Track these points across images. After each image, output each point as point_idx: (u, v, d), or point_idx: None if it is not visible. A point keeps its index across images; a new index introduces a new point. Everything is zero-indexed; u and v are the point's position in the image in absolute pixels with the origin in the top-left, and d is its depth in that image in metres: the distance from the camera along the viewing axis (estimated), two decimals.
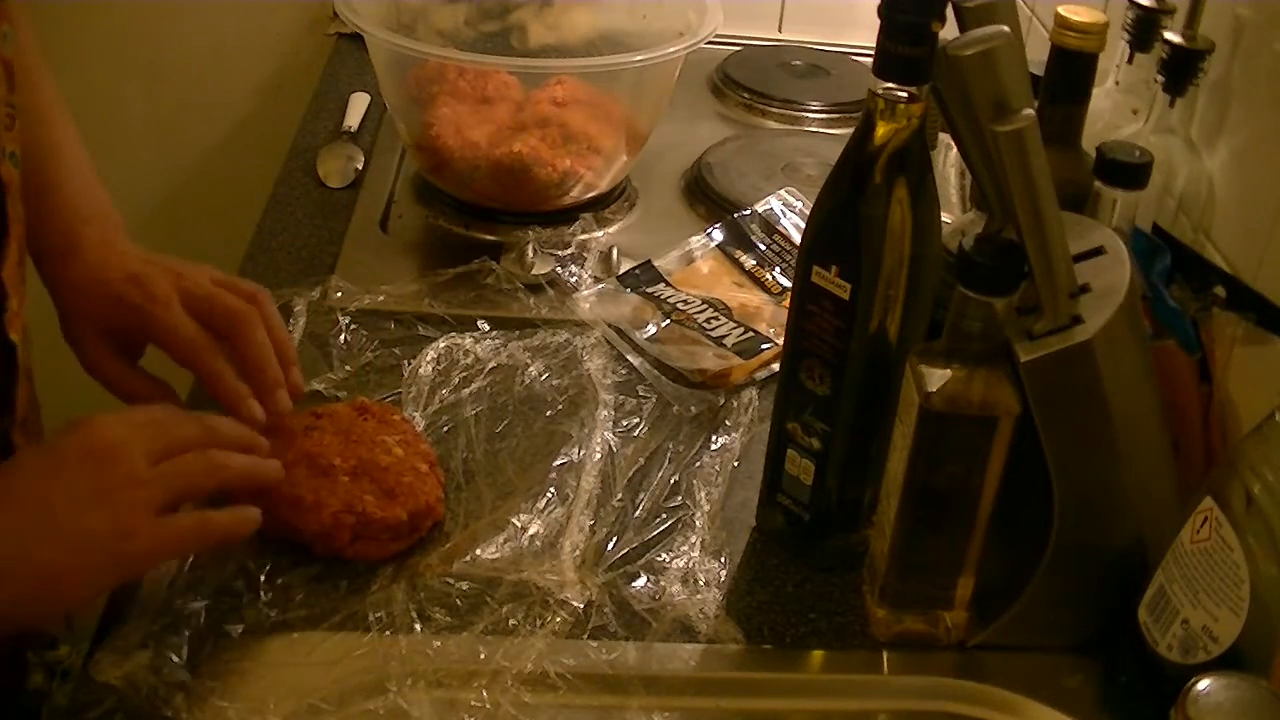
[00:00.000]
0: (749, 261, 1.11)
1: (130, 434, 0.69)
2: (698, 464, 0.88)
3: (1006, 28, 0.65)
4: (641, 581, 0.79)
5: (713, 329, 1.01)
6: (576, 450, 0.88)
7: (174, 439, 0.70)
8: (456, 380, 0.94)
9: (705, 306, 1.04)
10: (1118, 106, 0.98)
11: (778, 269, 1.09)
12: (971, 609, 0.76)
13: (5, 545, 0.64)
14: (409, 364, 0.95)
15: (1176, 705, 0.59)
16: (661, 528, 0.83)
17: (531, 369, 0.96)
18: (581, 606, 0.76)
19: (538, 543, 0.80)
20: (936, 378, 0.70)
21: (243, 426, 0.76)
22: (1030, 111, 0.65)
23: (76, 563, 0.66)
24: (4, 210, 0.71)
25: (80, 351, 0.80)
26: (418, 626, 0.74)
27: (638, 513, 0.84)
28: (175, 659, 0.70)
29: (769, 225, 1.13)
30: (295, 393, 0.81)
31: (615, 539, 0.81)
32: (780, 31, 1.59)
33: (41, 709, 0.81)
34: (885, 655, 0.76)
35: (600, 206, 1.18)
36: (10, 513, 0.65)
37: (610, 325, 1.02)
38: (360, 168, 1.22)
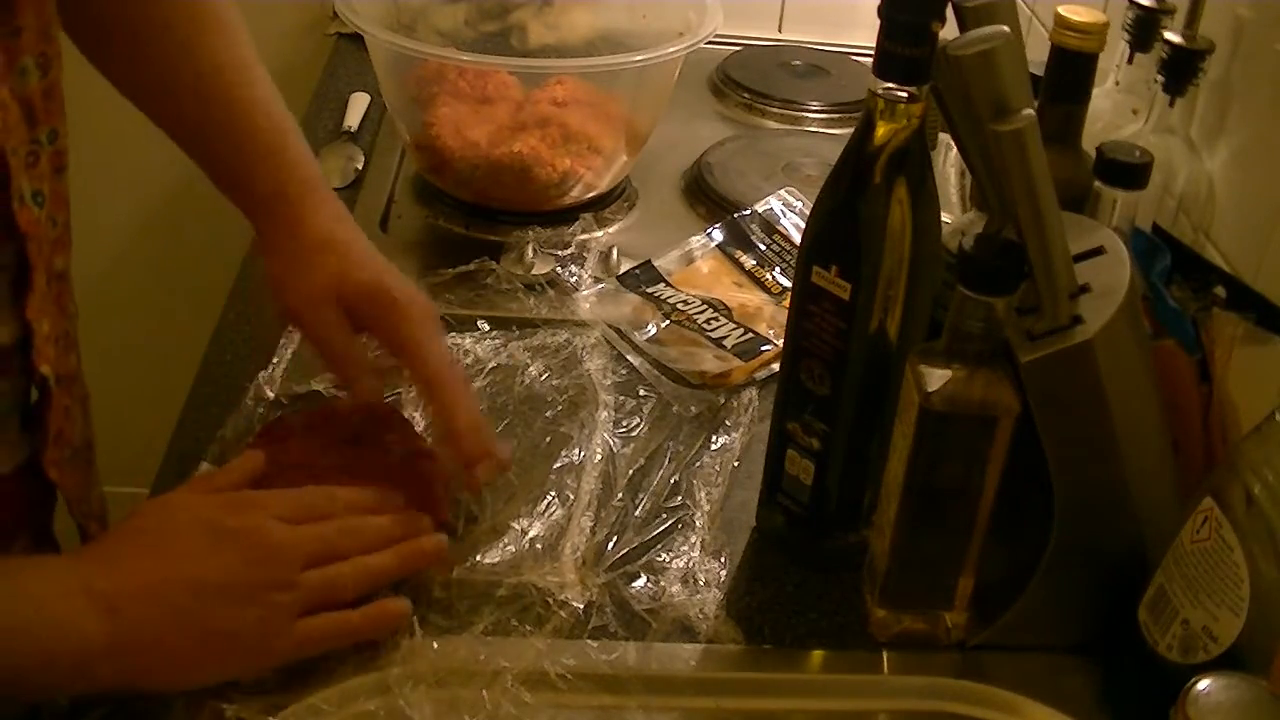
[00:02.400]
0: (749, 261, 1.11)
1: (295, 539, 0.69)
2: (698, 464, 0.88)
3: (1006, 28, 0.65)
4: (641, 581, 0.79)
5: (712, 330, 1.01)
6: (576, 451, 0.88)
7: (332, 548, 0.71)
8: None
9: (705, 307, 1.04)
10: (1118, 106, 0.98)
11: (778, 269, 1.09)
12: (971, 609, 0.76)
13: (143, 611, 0.63)
14: None
15: (1176, 705, 0.59)
16: (661, 528, 0.83)
17: (531, 369, 0.96)
18: (581, 607, 0.76)
19: (538, 545, 0.80)
20: (936, 378, 0.70)
21: (398, 519, 0.76)
22: (1030, 111, 0.65)
23: (208, 653, 0.66)
24: (26, 255, 0.69)
25: (311, 317, 0.81)
26: (418, 628, 0.73)
27: (638, 513, 0.84)
28: None
29: (769, 225, 1.13)
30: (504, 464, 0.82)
31: (615, 539, 0.81)
32: (780, 31, 1.59)
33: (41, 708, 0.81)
34: (885, 655, 0.76)
35: (600, 206, 1.18)
36: (159, 578, 0.64)
37: (610, 325, 1.02)
38: (360, 168, 1.22)
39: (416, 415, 0.90)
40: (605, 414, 0.92)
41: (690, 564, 0.80)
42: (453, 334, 0.99)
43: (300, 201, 0.85)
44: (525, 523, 0.82)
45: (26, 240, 0.69)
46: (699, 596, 0.78)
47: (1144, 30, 0.95)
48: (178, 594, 0.65)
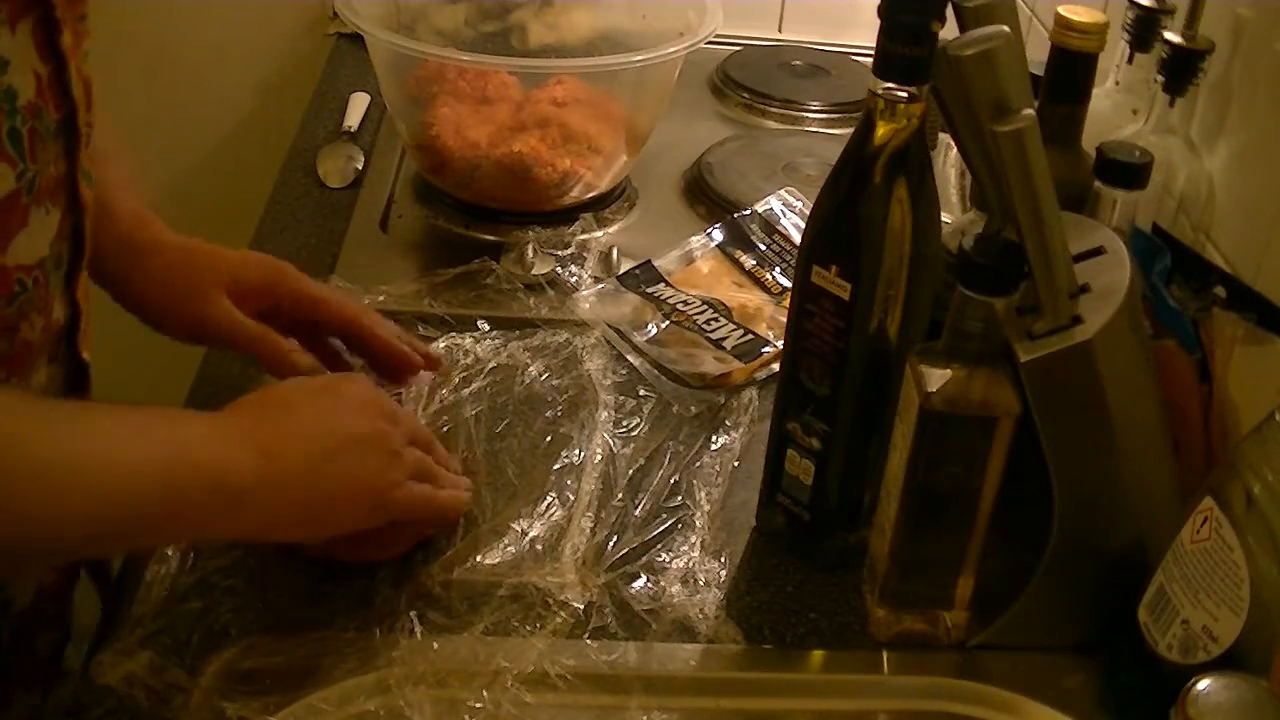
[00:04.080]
0: (749, 261, 1.11)
1: (399, 412, 0.77)
2: (698, 464, 0.88)
3: (1006, 28, 0.65)
4: (641, 582, 0.79)
5: (712, 330, 1.01)
6: (576, 451, 0.88)
7: (419, 437, 0.78)
8: (456, 380, 0.94)
9: (705, 307, 1.04)
10: (1118, 106, 0.98)
11: (778, 269, 1.09)
12: (971, 609, 0.76)
13: (292, 452, 0.69)
14: None
15: (1176, 705, 0.59)
16: (661, 528, 0.83)
17: (531, 369, 0.96)
18: (581, 607, 0.76)
19: (539, 546, 0.80)
20: (936, 378, 0.70)
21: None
22: (1030, 111, 0.65)
23: (345, 495, 0.71)
24: (83, 229, 0.72)
25: (208, 312, 0.83)
26: (418, 628, 0.73)
27: (638, 513, 0.84)
28: (175, 660, 0.70)
29: (769, 225, 1.13)
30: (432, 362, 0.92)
31: (615, 539, 0.81)
32: (780, 31, 1.59)
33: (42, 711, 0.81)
34: (885, 655, 0.76)
35: (600, 206, 1.18)
36: (299, 431, 0.70)
37: (610, 326, 1.02)
38: (360, 168, 1.22)
39: (417, 415, 0.90)
40: (605, 414, 0.92)
41: (690, 564, 0.80)
42: (453, 334, 0.99)
43: (151, 224, 0.86)
44: (525, 523, 0.82)
45: (85, 214, 0.71)
46: (699, 596, 0.78)
47: (1144, 30, 0.95)
48: (320, 439, 0.71)
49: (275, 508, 0.68)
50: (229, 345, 0.85)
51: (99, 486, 0.60)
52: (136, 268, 0.84)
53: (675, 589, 0.78)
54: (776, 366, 0.93)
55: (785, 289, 1.06)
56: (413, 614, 0.74)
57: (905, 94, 0.68)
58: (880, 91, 0.69)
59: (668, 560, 0.80)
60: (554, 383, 0.95)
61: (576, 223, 1.14)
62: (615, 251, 1.11)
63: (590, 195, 1.17)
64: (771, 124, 1.39)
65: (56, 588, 0.79)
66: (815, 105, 1.41)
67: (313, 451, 0.70)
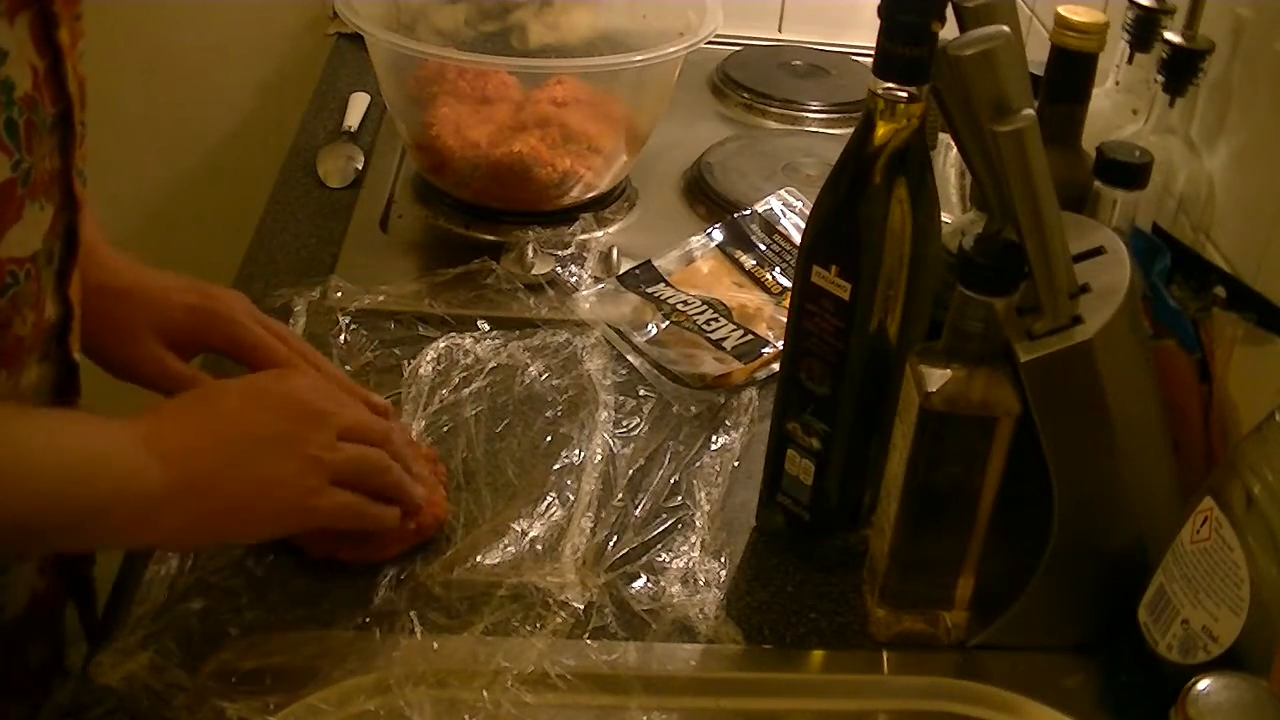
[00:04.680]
0: (749, 261, 1.11)
1: (333, 408, 0.74)
2: (698, 464, 0.88)
3: (1006, 28, 0.65)
4: (641, 582, 0.79)
5: (712, 331, 1.01)
6: (576, 451, 0.88)
7: (365, 429, 0.76)
8: (456, 380, 0.94)
9: (705, 308, 1.04)
10: (1118, 106, 0.98)
11: (778, 269, 1.09)
12: (971, 609, 0.76)
13: (198, 461, 0.67)
14: (409, 364, 0.95)
15: (1176, 705, 0.59)
16: (661, 528, 0.83)
17: (531, 369, 0.96)
18: (582, 607, 0.76)
19: (539, 546, 0.80)
20: (936, 378, 0.70)
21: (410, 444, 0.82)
22: (1030, 111, 0.65)
23: (263, 499, 0.70)
24: (76, 227, 0.72)
25: (138, 354, 0.82)
26: (418, 628, 0.73)
27: (638, 513, 0.84)
28: (175, 660, 0.70)
29: (769, 225, 1.13)
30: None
31: (615, 539, 0.81)
32: (780, 31, 1.59)
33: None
34: (885, 655, 0.76)
35: (600, 206, 1.18)
36: (212, 434, 0.69)
37: (610, 326, 1.02)
38: (360, 168, 1.22)
39: (417, 415, 0.90)
40: (605, 414, 0.92)
41: (690, 564, 0.80)
42: (453, 334, 0.99)
43: (99, 263, 0.82)
44: (525, 523, 0.82)
45: (79, 212, 0.71)
46: (699, 596, 0.78)
47: (1144, 30, 0.95)
48: (228, 445, 0.70)
49: (191, 514, 0.67)
50: (160, 389, 0.83)
51: (5, 493, 0.61)
52: (84, 306, 0.82)
53: (675, 589, 0.78)
54: (776, 366, 0.93)
55: (785, 289, 1.06)
56: (413, 614, 0.74)
57: (905, 94, 0.68)
58: (880, 91, 0.69)
59: (668, 560, 0.80)
60: (554, 383, 0.95)
61: (576, 223, 1.14)
62: (615, 251, 1.11)
63: (590, 195, 1.16)
64: (771, 124, 1.39)
65: (49, 596, 0.78)
66: (815, 105, 1.41)
67: (223, 455, 0.69)
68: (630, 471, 0.87)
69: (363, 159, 1.23)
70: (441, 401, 0.92)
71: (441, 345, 0.97)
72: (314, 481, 0.71)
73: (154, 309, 0.84)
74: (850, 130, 0.72)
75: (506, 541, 0.80)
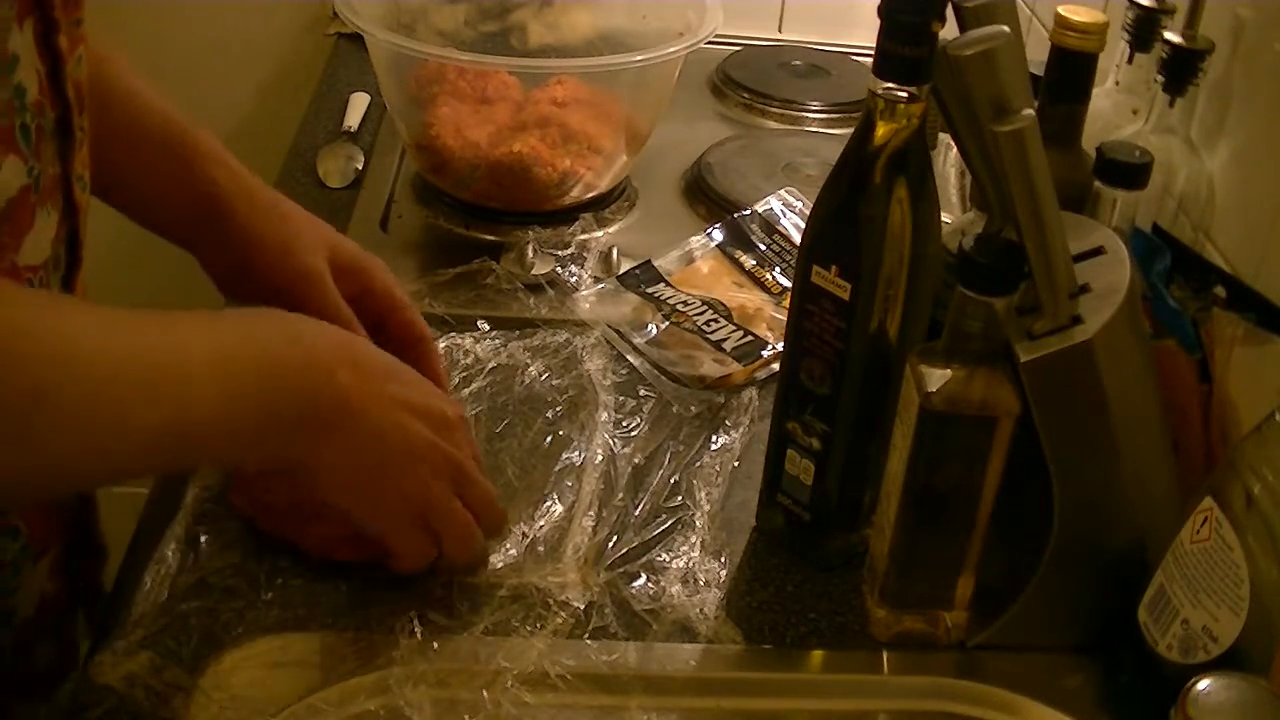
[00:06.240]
0: (749, 261, 1.11)
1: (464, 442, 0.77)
2: (698, 464, 0.88)
3: (1006, 28, 0.65)
4: (641, 582, 0.79)
5: (712, 332, 1.01)
6: (577, 451, 0.88)
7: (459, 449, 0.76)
8: (456, 380, 0.94)
9: (705, 308, 1.04)
10: (1118, 106, 0.98)
11: (778, 269, 1.09)
12: (971, 609, 0.76)
13: (368, 405, 0.68)
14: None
15: (1176, 705, 0.59)
16: (661, 528, 0.83)
17: (531, 369, 0.96)
18: (582, 607, 0.76)
19: (539, 547, 0.80)
20: (936, 378, 0.70)
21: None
22: (1030, 111, 0.65)
23: (413, 460, 0.71)
24: (78, 233, 0.72)
25: (306, 266, 0.81)
26: (418, 628, 0.73)
27: (638, 513, 0.84)
28: (175, 659, 0.70)
29: (769, 225, 1.13)
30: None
31: (615, 539, 0.81)
32: (780, 31, 1.59)
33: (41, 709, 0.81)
34: (885, 655, 0.76)
35: (600, 206, 1.18)
36: (371, 385, 0.69)
37: (610, 326, 1.02)
38: (360, 168, 1.22)
39: None
40: (605, 414, 0.92)
41: (690, 564, 0.80)
42: (453, 334, 0.99)
43: (243, 175, 0.84)
44: (526, 525, 0.82)
45: (79, 218, 0.71)
46: (699, 596, 0.78)
47: (1144, 30, 0.95)
48: (384, 410, 0.70)
49: (357, 452, 0.68)
50: (313, 309, 0.78)
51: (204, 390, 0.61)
52: (240, 204, 0.82)
53: (675, 589, 0.78)
54: (776, 367, 0.93)
55: (785, 289, 1.06)
56: (413, 614, 0.74)
57: (905, 94, 0.68)
58: (880, 91, 0.69)
59: (668, 560, 0.80)
60: (554, 383, 0.95)
61: (576, 223, 1.14)
62: (615, 251, 1.11)
63: (590, 195, 1.16)
64: (771, 124, 1.39)
65: (59, 599, 0.79)
66: (815, 105, 1.41)
67: (387, 411, 0.70)
68: (630, 471, 0.87)
69: (363, 159, 1.23)
70: None
71: (441, 345, 0.97)
72: (446, 482, 0.73)
73: (325, 232, 0.83)
74: (850, 130, 0.72)
75: (507, 542, 0.80)
